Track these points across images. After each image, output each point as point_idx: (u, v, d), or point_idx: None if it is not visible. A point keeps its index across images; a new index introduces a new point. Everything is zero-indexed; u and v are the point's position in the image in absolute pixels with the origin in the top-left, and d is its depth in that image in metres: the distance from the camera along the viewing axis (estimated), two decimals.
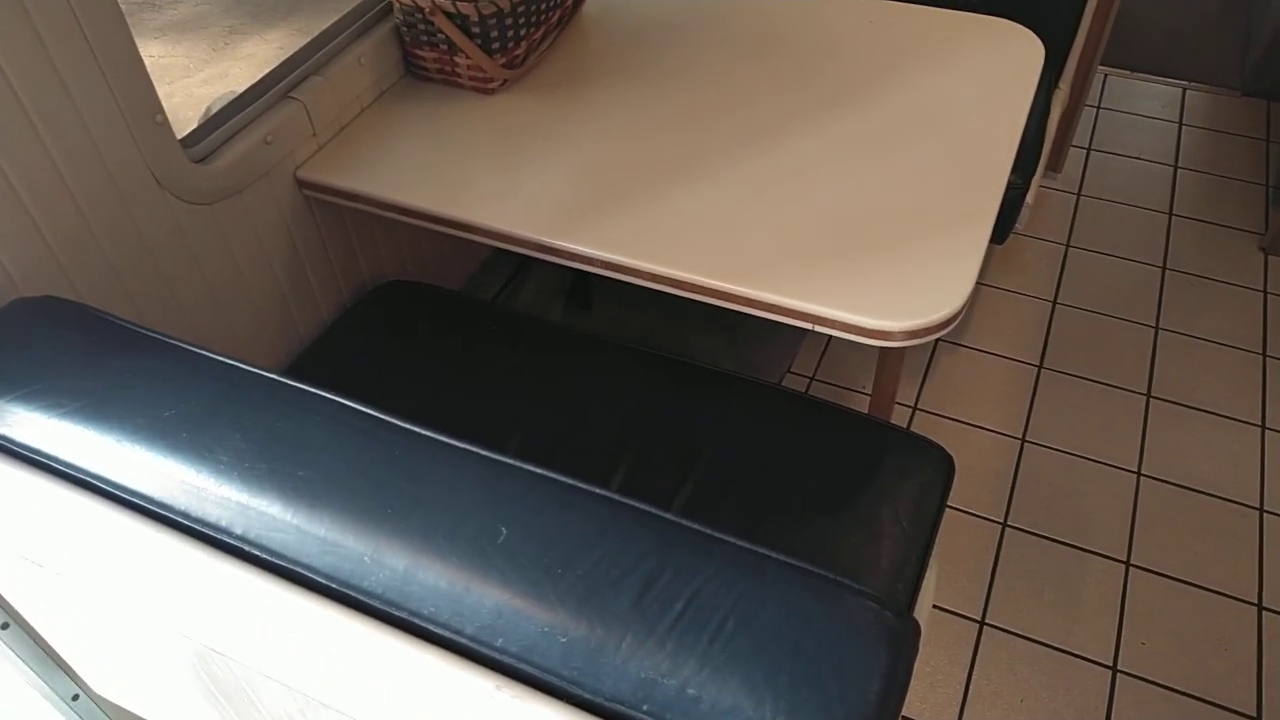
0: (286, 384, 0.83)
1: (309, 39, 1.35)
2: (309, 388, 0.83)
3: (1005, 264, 2.20)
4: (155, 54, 3.47)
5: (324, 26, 1.38)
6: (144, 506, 0.78)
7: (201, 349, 0.87)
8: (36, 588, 0.94)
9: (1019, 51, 1.46)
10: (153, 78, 1.06)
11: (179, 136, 1.16)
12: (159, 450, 0.78)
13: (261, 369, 0.85)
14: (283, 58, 1.32)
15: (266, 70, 1.29)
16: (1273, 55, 2.57)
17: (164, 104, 1.09)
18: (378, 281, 1.51)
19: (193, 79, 3.33)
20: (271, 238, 1.29)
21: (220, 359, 0.86)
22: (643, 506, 0.74)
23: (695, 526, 0.73)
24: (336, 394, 0.83)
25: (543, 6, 1.44)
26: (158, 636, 0.88)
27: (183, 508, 0.77)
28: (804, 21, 1.54)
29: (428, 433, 0.78)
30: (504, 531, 0.71)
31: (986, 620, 1.58)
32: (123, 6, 1.02)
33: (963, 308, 1.09)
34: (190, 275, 1.19)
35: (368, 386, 1.31)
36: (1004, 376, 1.96)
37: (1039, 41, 1.48)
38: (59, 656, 1.08)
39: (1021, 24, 1.52)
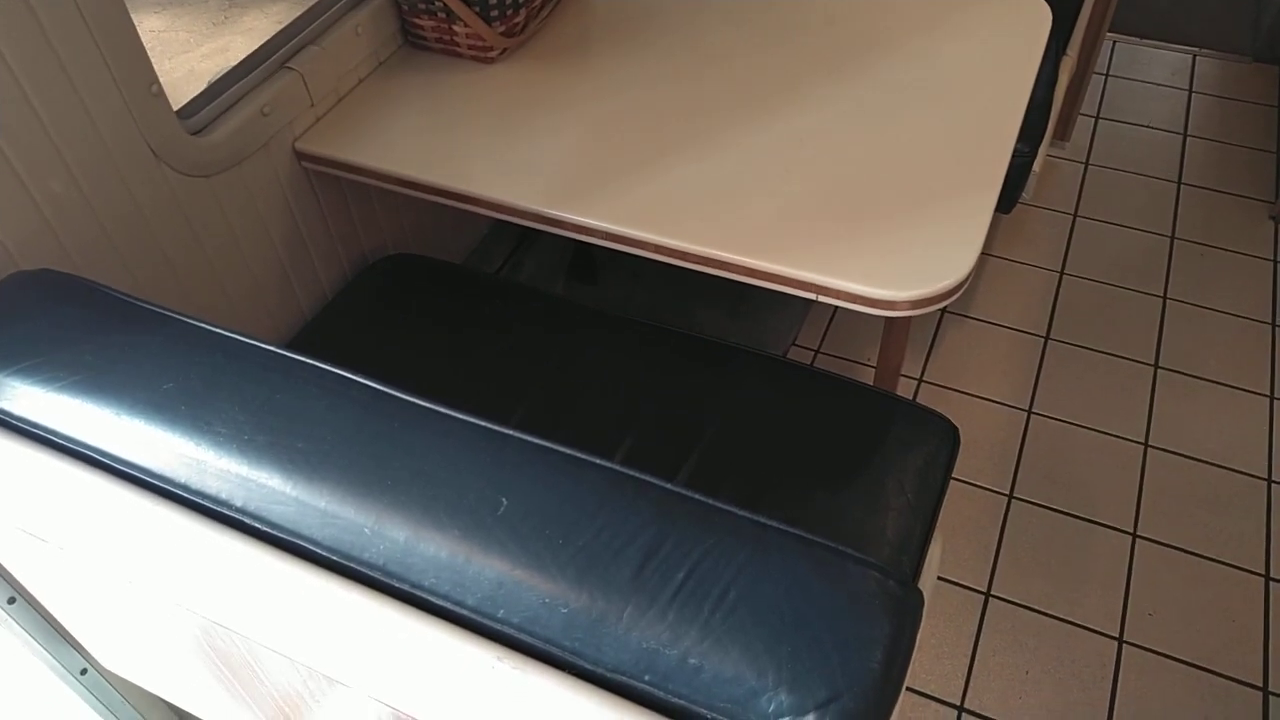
0: (286, 356, 0.83)
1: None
2: (309, 360, 0.82)
3: (1012, 234, 2.18)
4: (155, 28, 3.45)
5: None
6: (143, 480, 0.77)
7: (200, 321, 0.86)
8: (40, 562, 0.94)
9: (1026, 17, 1.44)
10: (153, 52, 1.05)
11: (184, 101, 1.15)
12: (158, 423, 0.78)
13: (261, 341, 0.84)
14: None
15: None
16: None
17: (165, 79, 1.08)
18: (378, 254, 1.50)
19: (193, 54, 3.31)
20: (270, 210, 1.28)
21: (219, 331, 0.85)
22: (644, 477, 0.73)
23: (696, 496, 0.72)
24: (337, 367, 0.82)
25: None
26: (161, 610, 0.88)
27: (182, 481, 0.76)
28: None
29: (428, 404, 0.78)
30: (505, 502, 0.71)
31: (992, 592, 1.58)
32: None
33: (968, 277, 1.08)
34: (189, 248, 1.18)
35: (369, 360, 1.30)
36: (1010, 348, 1.95)
37: (1046, 7, 1.46)
38: (66, 631, 1.09)
39: None
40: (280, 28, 1.29)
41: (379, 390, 0.79)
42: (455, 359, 1.31)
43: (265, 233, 1.28)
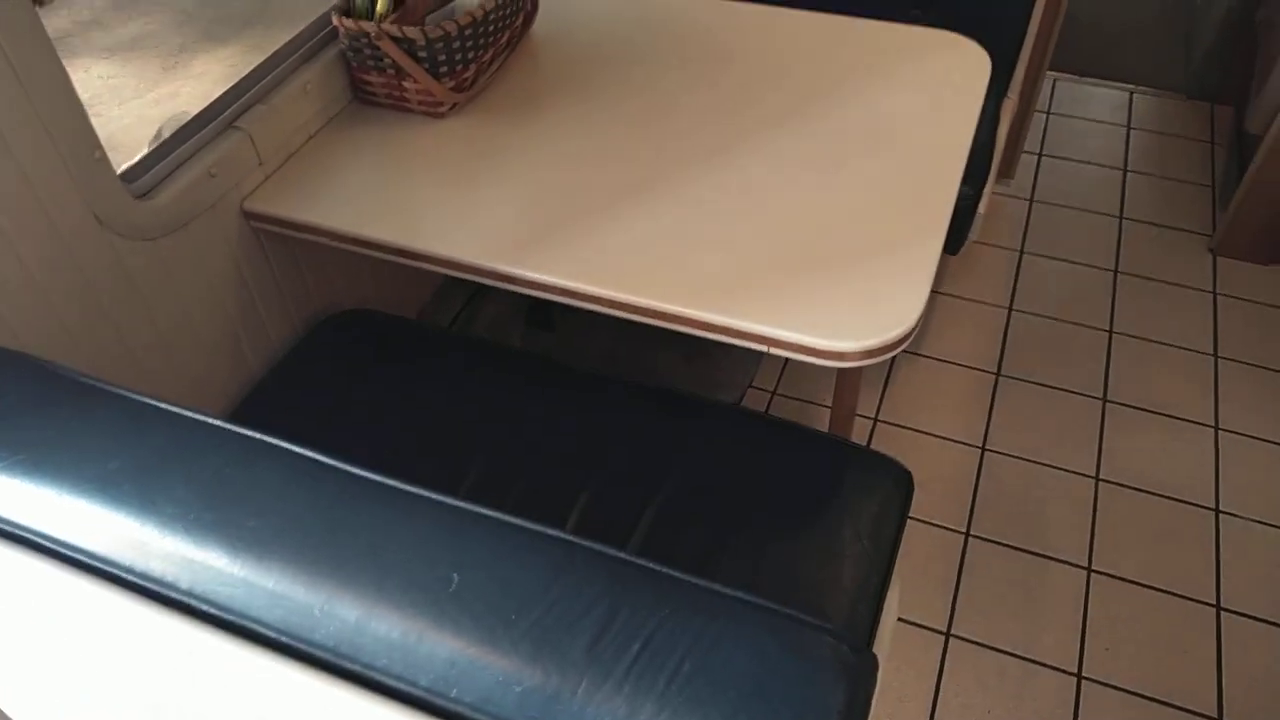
0: (234, 431, 0.82)
1: (262, 54, 1.33)
2: (257, 434, 0.81)
3: (961, 271, 2.22)
4: (104, 74, 3.42)
5: (277, 42, 1.36)
6: (86, 562, 0.76)
7: (147, 397, 0.85)
8: None
9: (965, 64, 1.48)
10: (101, 99, 1.04)
11: (128, 164, 1.14)
12: (102, 503, 0.76)
13: (209, 416, 0.83)
14: (235, 75, 1.30)
15: (218, 88, 1.27)
16: (1214, 59, 2.61)
17: (114, 126, 1.07)
18: (331, 311, 1.49)
19: (144, 99, 3.29)
20: (219, 271, 1.27)
21: (166, 407, 0.84)
22: (597, 547, 0.73)
23: (651, 566, 0.72)
24: (289, 432, 0.81)
25: (491, 29, 1.43)
26: (105, 698, 0.86)
27: (127, 562, 0.75)
28: (754, 39, 1.54)
29: (378, 478, 0.77)
30: (456, 578, 0.70)
31: (952, 631, 1.58)
32: (69, 25, 1.00)
33: (915, 326, 1.09)
34: (136, 314, 1.16)
35: (321, 421, 1.29)
36: (963, 385, 1.97)
37: (985, 53, 1.49)
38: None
39: (969, 35, 1.54)
40: (231, 72, 1.29)
41: (329, 465, 0.78)
42: (408, 418, 1.30)
43: (214, 294, 1.27)
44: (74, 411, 0.83)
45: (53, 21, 3.43)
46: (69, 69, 1.00)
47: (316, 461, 0.78)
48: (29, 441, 0.81)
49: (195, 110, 1.25)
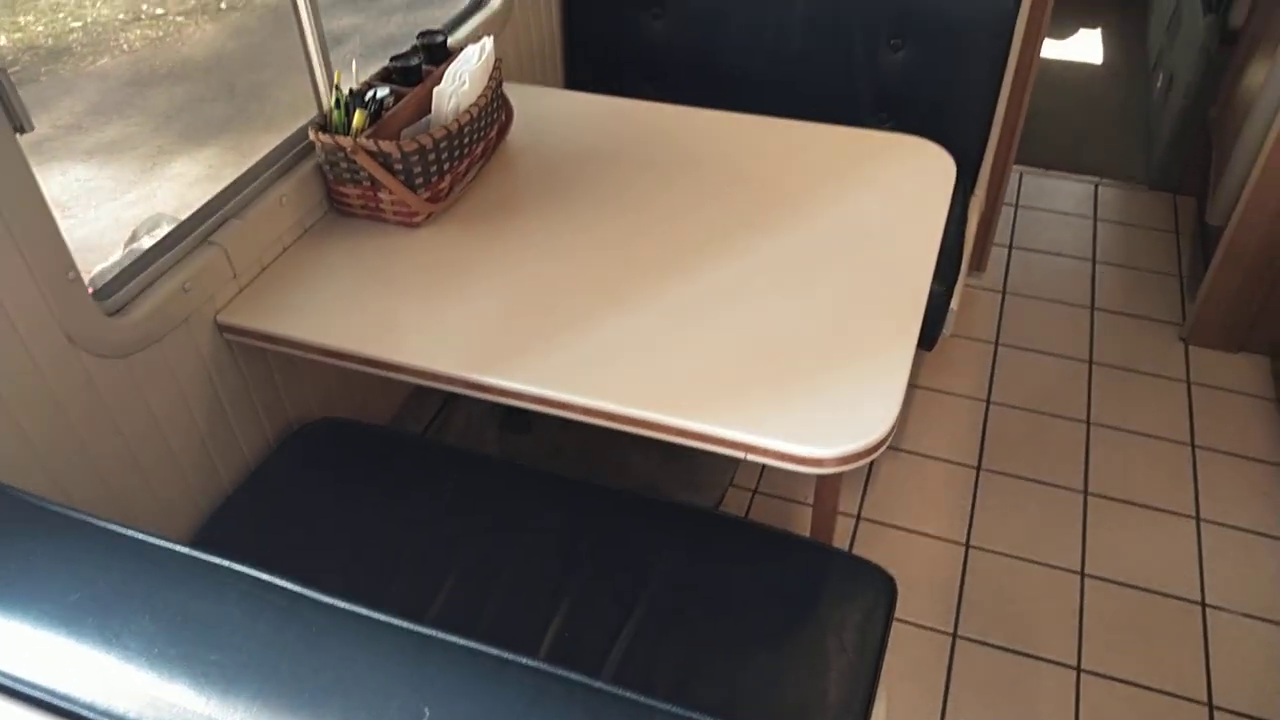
0: (200, 559, 0.80)
1: (238, 155, 1.35)
2: (222, 561, 0.79)
3: (938, 365, 2.23)
4: (82, 177, 3.45)
5: (253, 143, 1.37)
6: (46, 701, 0.73)
7: (110, 523, 0.83)
8: None
9: (931, 166, 1.51)
10: (78, 201, 1.05)
11: (101, 266, 1.13)
12: (63, 637, 0.74)
13: (174, 542, 0.82)
14: (213, 176, 1.31)
15: (195, 189, 1.28)
16: (1174, 151, 2.69)
17: (89, 228, 1.07)
18: (303, 420, 1.48)
19: (120, 201, 3.31)
20: (191, 385, 1.26)
21: (130, 534, 0.82)
22: (572, 676, 0.71)
23: (627, 695, 0.70)
24: (258, 551, 0.81)
25: (466, 140, 1.45)
26: None
27: (88, 700, 0.72)
28: (723, 146, 1.58)
29: (346, 605, 0.75)
30: (428, 712, 0.68)
31: None
32: (49, 130, 1.01)
33: (890, 432, 1.09)
34: (106, 432, 1.15)
35: (292, 538, 1.26)
36: (944, 480, 1.97)
37: (949, 156, 1.53)
38: None
39: (934, 137, 1.57)
40: (208, 173, 1.30)
41: (295, 592, 0.76)
42: (381, 530, 1.28)
43: (185, 408, 1.26)
44: (34, 540, 0.81)
45: None
46: (48, 173, 1.01)
47: (283, 590, 0.77)
48: None
49: (170, 212, 1.26)
